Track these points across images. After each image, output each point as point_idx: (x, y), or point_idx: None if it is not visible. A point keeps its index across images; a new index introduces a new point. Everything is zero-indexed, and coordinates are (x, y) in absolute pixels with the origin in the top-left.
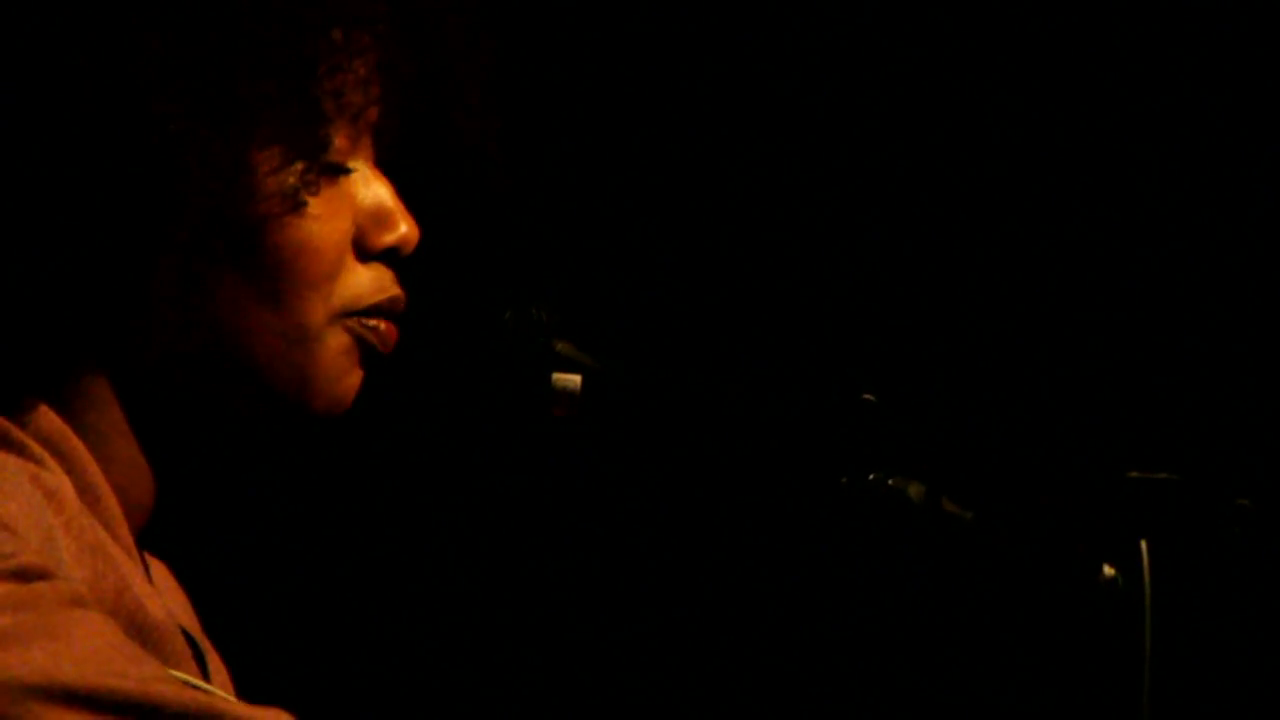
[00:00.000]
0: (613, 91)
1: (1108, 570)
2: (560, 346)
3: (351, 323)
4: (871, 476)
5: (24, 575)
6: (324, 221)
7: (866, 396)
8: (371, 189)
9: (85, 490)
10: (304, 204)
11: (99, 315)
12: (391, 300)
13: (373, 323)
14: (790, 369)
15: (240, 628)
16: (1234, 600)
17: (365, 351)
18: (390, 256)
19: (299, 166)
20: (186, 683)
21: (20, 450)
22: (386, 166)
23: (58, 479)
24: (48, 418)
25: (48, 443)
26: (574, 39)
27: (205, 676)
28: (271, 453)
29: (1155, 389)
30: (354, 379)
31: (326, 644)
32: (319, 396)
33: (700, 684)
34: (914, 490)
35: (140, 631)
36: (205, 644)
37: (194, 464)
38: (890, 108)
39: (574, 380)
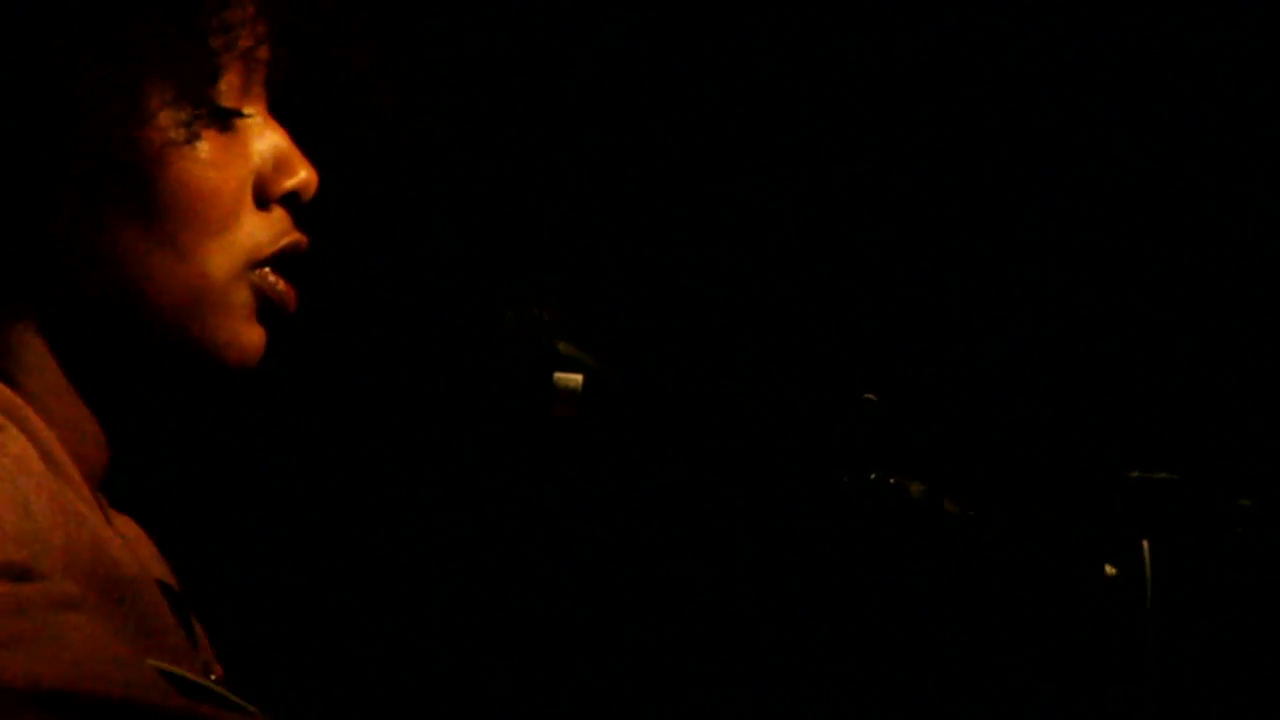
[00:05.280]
0: (615, 91)
1: (1109, 570)
2: (562, 346)
3: (255, 276)
4: (873, 475)
5: (9, 573)
6: (220, 168)
7: (868, 395)
8: (267, 136)
9: (43, 455)
10: (197, 138)
11: (5, 265)
12: (293, 244)
13: (273, 279)
14: (791, 368)
15: (243, 624)
16: (1236, 600)
17: (265, 306)
18: (290, 202)
19: (189, 103)
20: (174, 678)
21: None
22: (286, 118)
23: (20, 443)
24: None
25: (2, 408)
26: (577, 39)
27: (187, 626)
28: (270, 449)
29: (1156, 388)
30: (255, 335)
31: (326, 643)
32: (222, 349)
33: (701, 683)
34: (915, 489)
35: (117, 587)
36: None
37: (149, 423)
38: (890, 107)
39: (575, 380)
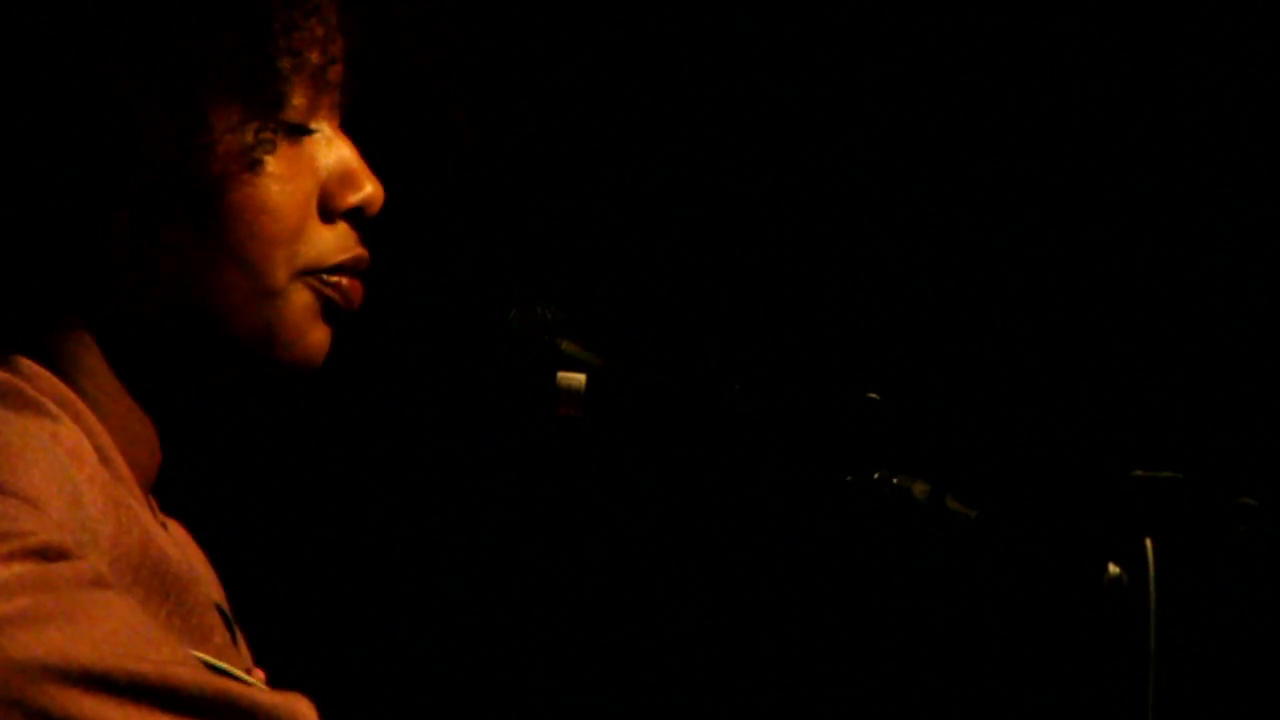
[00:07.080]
0: (619, 91)
1: (1113, 569)
2: (565, 345)
3: (314, 280)
4: (876, 475)
5: (44, 554)
6: (285, 181)
7: (871, 395)
8: (334, 150)
9: (97, 450)
10: (260, 162)
11: (63, 273)
12: (355, 259)
13: (335, 279)
14: (795, 367)
15: (242, 625)
16: (1239, 599)
17: (329, 307)
18: (355, 216)
19: (255, 124)
20: (208, 665)
21: (37, 409)
22: (355, 132)
23: (75, 434)
24: (51, 382)
25: (59, 402)
26: (582, 39)
27: (231, 629)
28: (275, 450)
29: (1160, 388)
30: (320, 334)
31: (328, 644)
32: (286, 350)
33: (704, 683)
34: (919, 489)
35: (163, 582)
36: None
37: (194, 426)
38: (894, 107)
39: (578, 379)
